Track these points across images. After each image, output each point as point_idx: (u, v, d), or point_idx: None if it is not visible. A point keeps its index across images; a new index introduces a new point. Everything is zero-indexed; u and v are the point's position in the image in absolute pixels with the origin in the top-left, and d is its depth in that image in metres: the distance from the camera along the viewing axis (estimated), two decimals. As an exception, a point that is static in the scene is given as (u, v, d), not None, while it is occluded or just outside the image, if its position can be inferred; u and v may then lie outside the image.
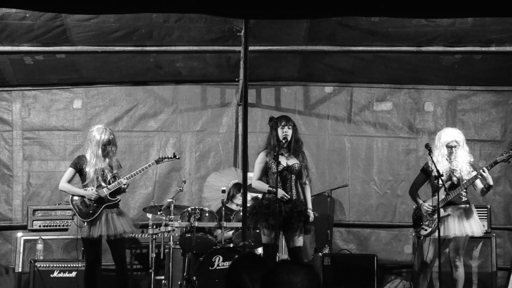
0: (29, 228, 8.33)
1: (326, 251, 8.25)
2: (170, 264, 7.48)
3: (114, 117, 9.07)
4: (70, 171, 7.27)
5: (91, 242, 7.13)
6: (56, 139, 9.06)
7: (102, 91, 9.13)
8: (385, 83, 9.19)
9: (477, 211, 7.34)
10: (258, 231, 7.18)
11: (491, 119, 9.17)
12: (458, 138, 7.14)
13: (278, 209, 6.57)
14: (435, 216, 6.95)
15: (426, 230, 7.18)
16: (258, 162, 6.94)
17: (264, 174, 6.90)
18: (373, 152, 9.19)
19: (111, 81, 9.10)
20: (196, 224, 7.31)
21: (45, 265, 7.87)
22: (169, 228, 7.43)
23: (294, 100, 9.23)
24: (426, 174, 7.28)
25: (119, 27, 7.92)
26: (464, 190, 7.10)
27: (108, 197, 7.18)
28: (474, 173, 6.99)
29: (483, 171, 6.93)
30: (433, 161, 6.98)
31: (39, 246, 8.16)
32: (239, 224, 7.01)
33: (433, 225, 7.08)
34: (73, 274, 7.86)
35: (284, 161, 6.82)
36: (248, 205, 6.95)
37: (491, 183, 7.01)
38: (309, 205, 6.87)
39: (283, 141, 6.81)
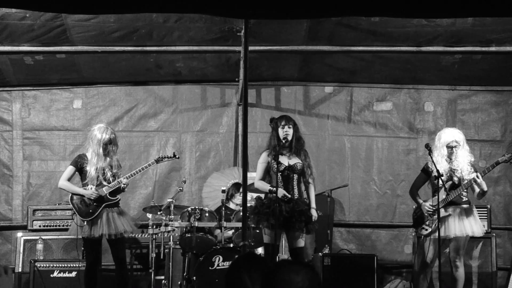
0: (29, 228, 8.33)
1: (326, 251, 8.25)
2: (170, 264, 7.47)
3: (114, 117, 9.07)
4: (70, 169, 7.27)
5: (91, 241, 7.13)
6: (56, 139, 9.06)
7: (102, 91, 9.14)
8: (385, 83, 9.20)
9: (477, 211, 7.33)
10: (258, 231, 7.19)
11: (491, 119, 9.17)
12: (458, 138, 7.13)
13: (279, 209, 6.57)
14: (436, 216, 6.95)
15: (426, 230, 7.18)
16: (260, 162, 6.95)
17: (267, 174, 6.90)
18: (373, 152, 9.19)
19: (111, 81, 9.10)
20: (196, 224, 7.31)
21: (45, 265, 7.87)
22: (169, 228, 7.42)
23: (294, 100, 9.23)
24: (427, 174, 7.27)
25: (119, 27, 7.92)
26: (465, 190, 7.10)
27: (108, 196, 7.18)
28: (475, 174, 6.98)
29: (477, 177, 6.92)
30: (433, 161, 6.97)
31: (39, 246, 8.16)
32: (239, 224, 7.01)
33: (433, 225, 7.08)
34: (73, 274, 7.86)
35: (285, 160, 6.82)
36: (251, 205, 7.00)
37: (485, 188, 7.01)
38: (313, 204, 6.86)
39: (283, 141, 6.81)
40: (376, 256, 7.97)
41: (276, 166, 6.65)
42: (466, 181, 7.02)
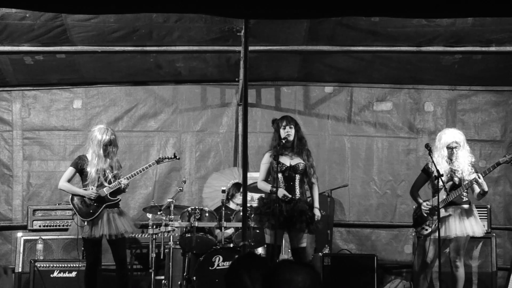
0: (29, 228, 8.33)
1: (326, 251, 8.25)
2: (170, 264, 7.48)
3: (114, 117, 9.08)
4: (70, 170, 7.28)
5: (92, 242, 7.13)
6: (56, 139, 9.07)
7: (102, 91, 9.14)
8: (385, 83, 9.20)
9: (477, 211, 7.33)
10: (258, 231, 7.20)
11: (491, 119, 9.17)
12: (459, 139, 7.12)
13: (279, 209, 6.57)
14: (436, 216, 6.95)
15: (427, 230, 7.18)
16: (263, 163, 6.95)
17: (270, 175, 6.89)
18: (373, 152, 9.19)
19: (111, 81, 9.10)
20: (196, 224, 7.31)
21: (45, 265, 7.87)
22: (169, 228, 7.43)
23: (294, 100, 9.23)
24: (427, 175, 7.27)
25: (119, 27, 7.92)
26: (465, 191, 7.09)
27: (109, 196, 7.18)
28: (475, 174, 6.98)
29: (478, 177, 6.92)
30: (433, 161, 6.97)
31: (39, 246, 8.16)
32: (239, 224, 7.01)
33: (433, 225, 7.07)
34: (73, 274, 7.86)
35: (287, 161, 6.82)
36: (255, 205, 7.00)
37: (486, 189, 7.00)
38: (316, 204, 6.83)
39: (283, 141, 6.81)
40: (376, 256, 7.97)
41: (277, 166, 6.65)
42: (466, 182, 7.02)
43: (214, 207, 7.94)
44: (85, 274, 7.27)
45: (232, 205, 8.01)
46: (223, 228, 7.35)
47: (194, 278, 7.07)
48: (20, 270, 8.08)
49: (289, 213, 6.67)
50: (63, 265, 7.89)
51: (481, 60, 8.54)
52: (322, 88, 9.27)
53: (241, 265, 3.51)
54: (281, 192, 6.69)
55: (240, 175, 8.15)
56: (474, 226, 7.06)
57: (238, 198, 8.00)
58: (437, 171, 6.81)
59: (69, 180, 7.27)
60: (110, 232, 7.10)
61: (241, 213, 5.86)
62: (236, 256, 6.86)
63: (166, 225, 7.42)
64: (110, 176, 7.20)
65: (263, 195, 7.01)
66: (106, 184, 7.18)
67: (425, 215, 7.17)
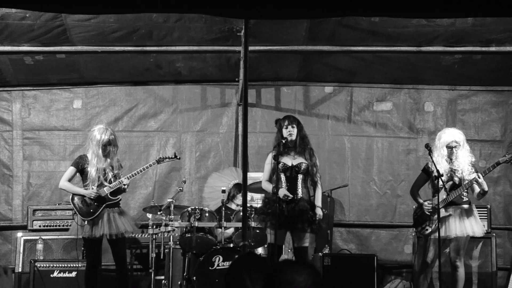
0: (29, 228, 8.33)
1: (326, 251, 8.25)
2: (170, 264, 7.47)
3: (114, 117, 9.08)
4: (71, 170, 7.28)
5: (92, 241, 7.14)
6: (56, 139, 9.07)
7: (102, 91, 9.14)
8: (385, 83, 9.20)
9: (477, 211, 7.32)
10: (258, 231, 7.20)
11: (491, 119, 9.17)
12: (458, 138, 7.12)
13: (280, 209, 6.57)
14: (436, 216, 6.95)
15: (427, 230, 7.18)
16: (266, 163, 6.95)
17: (273, 175, 6.88)
18: (373, 152, 9.19)
19: (111, 81, 9.10)
20: (196, 224, 7.31)
21: (45, 265, 7.87)
22: (169, 228, 7.43)
23: (294, 100, 9.23)
24: (427, 174, 7.27)
25: (119, 27, 7.92)
26: (465, 191, 7.09)
27: (109, 196, 7.19)
28: (475, 174, 6.98)
29: (478, 177, 6.92)
30: (433, 161, 6.97)
31: (39, 246, 8.16)
32: (239, 224, 7.01)
33: (433, 225, 7.07)
34: (73, 274, 7.86)
35: (289, 161, 6.82)
36: (255, 205, 6.98)
37: (486, 189, 7.00)
38: (317, 203, 6.81)
39: (283, 141, 6.81)
40: (376, 256, 7.97)
41: (279, 166, 6.65)
42: (466, 181, 7.02)
43: (215, 207, 7.94)
44: (85, 274, 7.27)
45: (233, 206, 8.01)
46: (223, 228, 7.35)
47: (194, 278, 7.07)
48: (20, 270, 8.08)
49: (290, 213, 6.67)
50: (63, 265, 7.89)
51: (481, 60, 8.54)
52: (322, 88, 9.27)
53: (241, 265, 3.51)
54: (282, 192, 6.69)
55: (240, 175, 8.15)
56: (474, 226, 7.06)
57: (239, 199, 7.99)
58: (437, 171, 6.81)
59: (69, 180, 7.27)
60: (111, 232, 7.10)
61: (241, 213, 5.85)
62: (236, 256, 6.86)
63: (166, 225, 7.41)
64: (110, 176, 7.20)
65: (263, 195, 7.01)
66: (106, 183, 7.18)
67: (428, 213, 7.16)
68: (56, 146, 9.06)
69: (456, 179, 7.08)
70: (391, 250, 9.08)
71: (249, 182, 6.90)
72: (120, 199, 7.30)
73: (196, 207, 7.55)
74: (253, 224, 7.15)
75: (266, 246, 7.39)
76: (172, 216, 7.46)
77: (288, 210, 6.67)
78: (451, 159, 7.11)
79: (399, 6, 4.75)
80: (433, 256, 7.14)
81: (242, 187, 5.65)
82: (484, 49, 8.32)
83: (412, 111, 9.23)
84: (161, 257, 7.68)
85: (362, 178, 9.17)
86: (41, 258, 8.07)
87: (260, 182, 7.74)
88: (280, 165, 6.75)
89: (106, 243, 7.30)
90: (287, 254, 7.74)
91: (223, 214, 7.33)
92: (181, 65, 8.79)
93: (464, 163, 7.07)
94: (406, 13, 5.68)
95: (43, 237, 8.21)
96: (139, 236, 8.34)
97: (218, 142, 9.19)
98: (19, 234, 8.30)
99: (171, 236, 7.50)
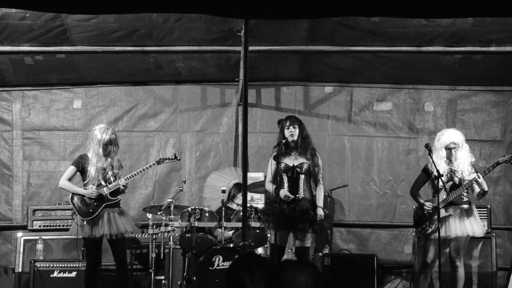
0: (29, 228, 8.33)
1: (326, 251, 8.25)
2: (170, 264, 7.47)
3: (114, 117, 9.07)
4: (71, 169, 7.28)
5: (92, 241, 7.13)
6: (56, 139, 9.07)
7: (102, 91, 9.14)
8: (385, 83, 9.20)
9: (477, 211, 7.32)
10: (258, 231, 7.20)
11: (491, 119, 9.17)
12: (457, 139, 7.11)
13: (281, 209, 6.57)
14: (436, 216, 6.95)
15: (427, 230, 7.18)
16: (269, 164, 6.92)
17: (276, 175, 6.87)
18: (373, 152, 9.19)
19: (111, 81, 9.10)
20: (196, 224, 7.30)
21: (45, 265, 7.87)
22: (169, 228, 7.42)
23: (294, 100, 9.23)
24: (427, 175, 7.27)
25: (119, 27, 7.92)
26: (465, 191, 7.09)
27: (109, 196, 7.18)
28: (475, 174, 6.98)
29: (478, 177, 6.92)
30: (433, 161, 6.97)
31: (39, 246, 8.16)
32: (239, 224, 7.01)
33: (434, 225, 7.07)
34: (73, 274, 7.86)
35: (291, 161, 6.81)
36: (255, 205, 6.98)
37: (486, 188, 7.00)
38: (319, 203, 6.79)
39: (283, 142, 6.81)
40: (376, 256, 7.97)
41: (281, 166, 6.67)
42: (466, 182, 7.02)
43: (215, 208, 7.94)
44: (85, 274, 7.26)
45: (233, 206, 8.00)
46: (223, 228, 7.35)
47: (194, 278, 7.07)
48: (20, 270, 8.08)
49: (291, 213, 6.67)
50: (63, 265, 7.89)
51: (481, 60, 8.54)
52: (322, 88, 9.27)
53: (242, 265, 3.51)
54: (283, 192, 6.70)
55: (239, 175, 8.15)
56: (474, 226, 7.06)
57: (239, 199, 7.98)
58: (437, 171, 6.81)
59: (69, 179, 7.27)
60: (111, 232, 7.10)
61: (241, 213, 5.85)
62: (236, 256, 6.86)
63: (166, 225, 7.41)
64: (109, 176, 7.20)
65: (263, 195, 7.02)
66: (105, 183, 7.18)
67: (428, 214, 7.16)
68: (56, 146, 9.06)
69: (456, 179, 7.08)
70: (391, 250, 9.08)
71: (249, 182, 6.91)
72: (120, 199, 7.30)
73: (196, 207, 7.55)
74: (253, 224, 7.15)
75: (266, 246, 7.40)
76: (172, 216, 7.46)
77: (289, 210, 6.67)
78: (450, 160, 7.11)
79: (399, 6, 4.75)
80: (433, 256, 7.14)
81: (242, 187, 5.65)
82: (484, 49, 8.32)
83: (412, 111, 9.23)
84: (161, 257, 7.68)
85: (362, 178, 9.17)
86: (41, 258, 8.07)
87: (260, 182, 7.76)
88: (282, 166, 6.75)
89: (106, 243, 7.29)
90: (287, 254, 7.74)
91: (223, 214, 7.33)
92: (181, 65, 8.79)
93: (464, 164, 7.07)
94: (406, 13, 5.68)
95: (43, 237, 8.21)
96: (139, 236, 8.34)
97: (218, 142, 9.19)
98: (19, 234, 8.30)
99: (171, 236, 7.50)
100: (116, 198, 7.23)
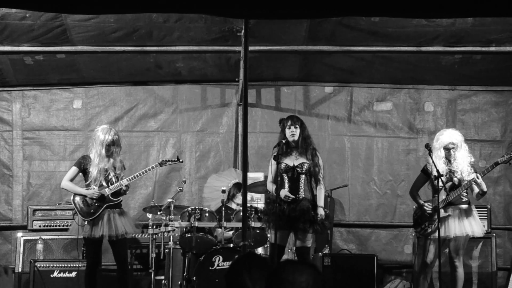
0: (29, 228, 8.33)
1: (326, 251, 8.25)
2: (170, 264, 7.47)
3: (114, 117, 9.07)
4: (73, 170, 7.28)
5: (92, 242, 7.13)
6: (56, 139, 9.07)
7: (102, 91, 9.14)
8: (385, 83, 9.20)
9: (477, 211, 7.32)
10: (258, 231, 7.20)
11: (491, 119, 9.17)
12: (456, 140, 7.11)
13: (282, 209, 6.58)
14: (436, 216, 6.95)
15: (426, 230, 7.18)
16: (270, 164, 6.92)
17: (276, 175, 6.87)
18: (373, 152, 9.19)
19: (111, 81, 9.10)
20: (196, 224, 7.30)
21: (45, 265, 7.87)
22: (169, 228, 7.43)
23: (294, 100, 9.23)
24: (427, 175, 7.26)
25: (119, 27, 7.92)
26: (465, 191, 7.09)
27: (110, 197, 7.18)
28: (474, 174, 6.98)
29: (477, 178, 6.92)
30: (433, 161, 6.97)
31: (39, 246, 8.16)
32: (239, 224, 7.01)
33: (433, 226, 7.07)
34: (73, 274, 7.86)
35: (291, 161, 6.81)
36: (255, 205, 6.98)
37: (485, 189, 7.00)
38: (320, 203, 6.77)
39: (283, 142, 6.81)
40: (376, 256, 7.97)
41: (281, 166, 6.67)
42: (466, 182, 7.02)
43: (215, 207, 7.94)
44: (85, 274, 7.26)
45: (233, 205, 8.01)
46: (223, 228, 7.35)
47: (194, 278, 7.07)
48: (20, 270, 8.08)
49: (292, 214, 6.67)
50: (63, 265, 7.89)
51: (481, 60, 8.54)
52: (322, 88, 9.27)
53: (242, 265, 3.51)
54: (283, 192, 6.69)
55: (239, 176, 8.15)
56: (474, 226, 7.06)
57: (239, 198, 7.99)
58: (437, 171, 6.81)
59: (71, 180, 7.27)
60: (110, 233, 7.09)
61: (241, 213, 5.85)
62: (236, 256, 6.86)
63: (166, 225, 7.41)
64: (111, 176, 7.20)
65: (263, 195, 7.02)
66: (106, 184, 7.18)
67: (427, 214, 7.16)
68: (56, 146, 9.05)
69: (455, 179, 7.08)
70: (391, 250, 9.08)
71: (249, 182, 6.91)
72: (121, 200, 7.29)
73: (196, 207, 7.55)
74: (253, 224, 7.15)
75: (266, 246, 7.40)
76: (172, 216, 7.46)
77: (290, 210, 6.67)
78: (449, 161, 7.11)
79: (399, 6, 4.75)
80: (433, 256, 7.14)
81: (242, 187, 5.65)
82: (484, 49, 8.33)
83: (412, 111, 9.23)
84: (161, 257, 7.68)
85: (362, 178, 9.17)
86: (41, 258, 8.07)
87: (260, 182, 7.77)
88: (282, 166, 6.75)
89: (107, 243, 7.29)
90: (287, 254, 7.74)
91: (223, 214, 7.33)
92: (181, 65, 8.79)
93: (463, 164, 7.07)
94: (406, 13, 5.68)
95: (43, 237, 8.21)
96: (139, 236, 8.33)
97: (218, 142, 9.19)
98: (19, 234, 8.30)
99: (171, 236, 7.50)
100: (117, 199, 7.23)
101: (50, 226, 8.31)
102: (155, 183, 9.05)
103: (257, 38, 7.97)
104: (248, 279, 3.42)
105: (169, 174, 9.06)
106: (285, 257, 7.58)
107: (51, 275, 7.85)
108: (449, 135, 7.13)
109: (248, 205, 6.68)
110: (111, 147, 7.18)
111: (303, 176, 6.78)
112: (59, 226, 8.29)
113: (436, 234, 6.85)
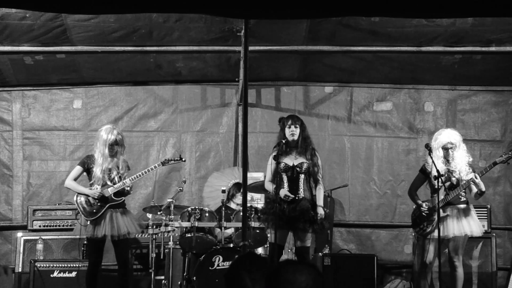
0: (29, 228, 8.33)
1: (326, 251, 8.24)
2: (170, 264, 7.48)
3: (114, 117, 9.07)
4: (77, 169, 7.29)
5: (95, 241, 7.13)
6: (56, 139, 9.07)
7: (102, 91, 9.14)
8: (385, 83, 9.20)
9: (477, 211, 7.34)
10: (258, 231, 7.20)
11: (491, 119, 9.17)
12: (454, 139, 7.11)
13: (281, 209, 6.57)
14: (435, 216, 6.95)
15: (425, 230, 7.18)
16: (268, 163, 6.92)
17: (275, 175, 6.87)
18: (373, 152, 9.19)
19: (111, 81, 9.10)
20: (196, 224, 7.31)
21: (45, 265, 7.87)
22: (169, 228, 7.43)
23: (294, 100, 9.23)
24: (425, 175, 7.27)
25: (119, 27, 7.92)
26: (463, 191, 7.10)
27: (113, 197, 7.18)
28: (473, 174, 6.98)
29: (475, 177, 6.92)
30: (433, 161, 6.97)
31: (39, 246, 8.16)
32: (239, 224, 7.01)
33: (432, 225, 7.07)
34: (73, 274, 7.86)
35: (291, 161, 6.81)
36: (255, 205, 6.97)
37: (483, 189, 7.01)
38: (319, 203, 6.78)
39: (283, 141, 6.81)
40: (376, 256, 7.97)
41: (280, 166, 6.67)
42: (464, 182, 7.02)
43: (215, 207, 7.94)
44: (87, 274, 7.24)
45: (232, 205, 8.01)
46: (222, 228, 7.35)
47: (194, 278, 7.07)
48: (20, 270, 8.08)
49: (291, 213, 6.67)
50: (63, 265, 7.89)
51: (481, 60, 8.54)
52: (322, 88, 9.27)
53: (241, 265, 3.51)
54: (283, 192, 6.70)
55: (240, 175, 8.15)
56: (472, 225, 7.07)
57: (239, 198, 7.99)
58: (437, 171, 6.82)
59: (75, 179, 7.28)
60: (112, 233, 7.10)
61: (241, 213, 5.85)
62: (236, 256, 6.86)
63: (166, 225, 7.42)
64: (114, 176, 7.20)
65: (263, 195, 7.02)
66: (110, 184, 7.18)
67: (425, 215, 7.17)
68: (56, 146, 9.06)
69: (454, 179, 7.08)
70: (391, 250, 9.08)
71: (249, 182, 6.91)
72: (124, 200, 7.29)
73: (196, 207, 7.55)
74: (253, 224, 7.15)
75: (266, 246, 7.40)
76: (172, 216, 7.46)
77: (289, 210, 6.68)
78: (447, 160, 7.11)
79: (399, 6, 4.75)
80: (432, 257, 7.14)
81: (242, 187, 5.66)
82: (484, 49, 8.33)
83: (412, 111, 9.23)
84: (161, 257, 7.68)
85: (362, 178, 9.17)
86: (41, 258, 8.07)
87: (260, 181, 7.76)
88: (282, 165, 6.75)
89: (109, 243, 7.29)
90: (287, 254, 7.74)
91: (223, 214, 7.33)
92: (181, 65, 8.79)
93: (462, 164, 7.08)
94: (406, 13, 5.68)
95: (43, 237, 8.21)
96: (139, 236, 8.33)
97: (218, 142, 9.19)
98: (19, 234, 8.30)
99: (171, 236, 7.50)
100: (120, 198, 7.23)
101: (50, 226, 8.31)
102: (155, 183, 9.06)
103: (257, 38, 7.97)
104: (248, 279, 3.42)
105: (169, 174, 9.06)
106: (284, 257, 7.58)
107: (51, 275, 7.85)
108: (448, 135, 7.14)
109: (248, 205, 6.67)
110: (115, 147, 7.19)
111: (302, 176, 6.78)
112: (59, 226, 8.30)
113: (435, 234, 6.85)
